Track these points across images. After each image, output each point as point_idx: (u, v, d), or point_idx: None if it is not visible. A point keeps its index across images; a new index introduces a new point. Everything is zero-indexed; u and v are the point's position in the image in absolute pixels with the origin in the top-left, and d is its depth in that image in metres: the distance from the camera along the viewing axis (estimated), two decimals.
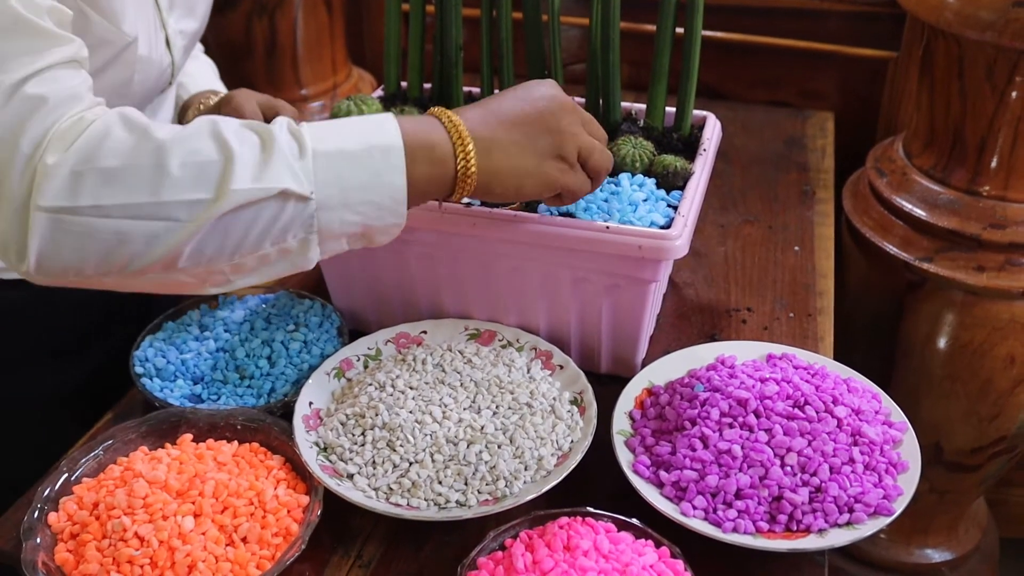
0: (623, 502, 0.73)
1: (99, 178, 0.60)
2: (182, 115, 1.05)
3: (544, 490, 0.72)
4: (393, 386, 0.81)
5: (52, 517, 0.73)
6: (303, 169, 0.63)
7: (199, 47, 1.15)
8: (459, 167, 0.68)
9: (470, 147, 0.68)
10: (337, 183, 0.64)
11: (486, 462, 0.74)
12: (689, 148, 0.93)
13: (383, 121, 0.67)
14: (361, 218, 0.65)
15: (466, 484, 0.73)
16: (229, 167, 0.61)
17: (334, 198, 0.64)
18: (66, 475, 0.76)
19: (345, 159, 0.64)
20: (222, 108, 0.94)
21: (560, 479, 0.73)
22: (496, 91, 0.97)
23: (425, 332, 0.90)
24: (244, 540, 0.70)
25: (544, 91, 0.73)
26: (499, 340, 0.89)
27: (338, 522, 0.75)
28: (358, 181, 0.64)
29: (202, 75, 1.08)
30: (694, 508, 0.72)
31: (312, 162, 0.63)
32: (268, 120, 0.93)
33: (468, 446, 0.75)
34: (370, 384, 0.82)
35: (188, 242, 0.61)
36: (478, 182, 0.69)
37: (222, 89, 1.08)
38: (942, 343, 1.18)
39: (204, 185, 0.61)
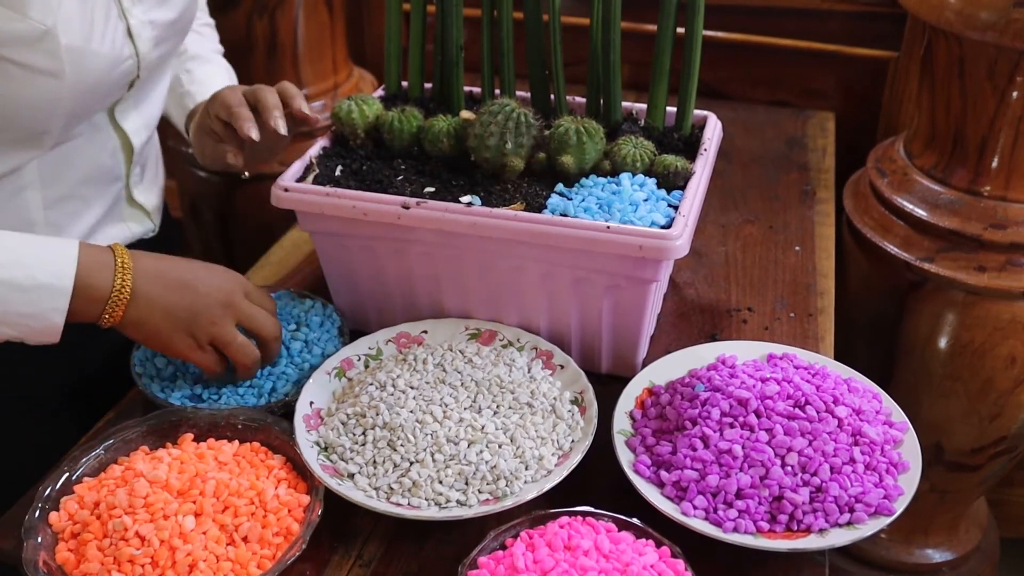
0: (623, 502, 0.73)
1: None
2: (189, 123, 1.04)
3: (545, 489, 0.72)
4: (394, 386, 0.81)
5: (53, 516, 0.73)
6: None
7: (218, 49, 1.13)
8: (107, 312, 0.77)
9: (126, 293, 0.77)
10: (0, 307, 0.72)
11: (487, 462, 0.74)
12: (690, 148, 0.93)
13: (64, 262, 0.74)
14: (16, 332, 0.74)
15: (467, 484, 0.73)
16: None
17: None
18: (67, 474, 0.76)
19: (12, 290, 0.72)
20: (210, 105, 0.94)
21: (561, 479, 0.73)
22: (496, 91, 0.98)
23: (426, 332, 0.90)
24: (245, 540, 0.70)
25: (219, 282, 0.81)
26: (500, 340, 0.89)
27: (339, 522, 0.75)
28: (20, 311, 0.73)
29: (212, 82, 1.05)
30: (695, 508, 0.72)
31: None
32: (254, 109, 0.91)
33: (469, 446, 0.75)
34: (371, 384, 0.82)
35: None
36: (124, 323, 0.78)
37: None
38: (943, 343, 1.18)
39: None
